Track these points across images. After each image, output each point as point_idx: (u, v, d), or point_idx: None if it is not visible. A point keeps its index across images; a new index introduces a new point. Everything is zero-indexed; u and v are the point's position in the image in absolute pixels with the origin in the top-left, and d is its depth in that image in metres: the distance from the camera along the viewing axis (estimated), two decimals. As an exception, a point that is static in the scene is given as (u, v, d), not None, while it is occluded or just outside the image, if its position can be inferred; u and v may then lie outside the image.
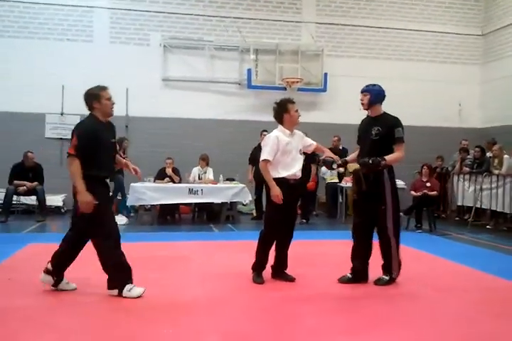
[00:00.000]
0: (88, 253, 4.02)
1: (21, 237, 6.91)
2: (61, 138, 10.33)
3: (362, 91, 4.47)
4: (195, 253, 5.88)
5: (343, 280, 4.48)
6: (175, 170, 9.01)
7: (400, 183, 9.21)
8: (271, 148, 4.37)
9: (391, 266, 4.44)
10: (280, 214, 4.40)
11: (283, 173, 4.41)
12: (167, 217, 9.05)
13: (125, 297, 3.89)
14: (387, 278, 4.45)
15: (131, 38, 10.72)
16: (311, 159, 8.81)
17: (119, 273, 3.95)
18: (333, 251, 5.80)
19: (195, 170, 9.13)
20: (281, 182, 4.36)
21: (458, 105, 11.94)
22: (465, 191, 9.29)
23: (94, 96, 3.93)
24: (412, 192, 8.41)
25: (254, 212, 9.38)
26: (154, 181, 8.70)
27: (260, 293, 4.17)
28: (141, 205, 8.78)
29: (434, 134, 11.48)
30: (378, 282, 4.44)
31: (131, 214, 9.23)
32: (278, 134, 4.45)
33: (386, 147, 4.36)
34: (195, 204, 8.97)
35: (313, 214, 9.75)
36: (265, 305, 3.88)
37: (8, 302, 3.81)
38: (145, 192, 8.22)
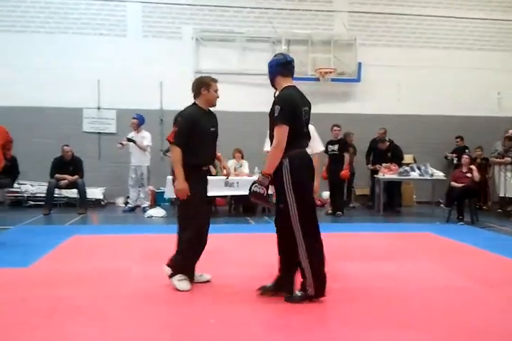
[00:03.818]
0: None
1: (64, 229, 7.08)
2: (98, 133, 10.51)
3: None
4: (231, 244, 5.90)
5: (264, 291, 3.80)
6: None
7: (439, 174, 9.09)
8: None
9: (305, 279, 3.58)
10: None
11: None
12: (203, 209, 9.09)
13: (171, 282, 3.98)
14: (299, 294, 3.61)
15: (164, 31, 10.73)
16: (342, 148, 8.76)
17: (185, 261, 4.01)
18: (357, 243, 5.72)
19: (231, 163, 9.16)
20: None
21: (497, 94, 11.58)
22: (507, 182, 9.05)
23: (205, 84, 4.03)
24: (453, 183, 8.21)
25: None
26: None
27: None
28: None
29: (471, 124, 11.19)
30: (288, 298, 3.62)
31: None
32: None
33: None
34: (231, 196, 8.99)
35: (349, 206, 9.69)
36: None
37: (56, 292, 3.90)
38: (182, 184, 8.25)
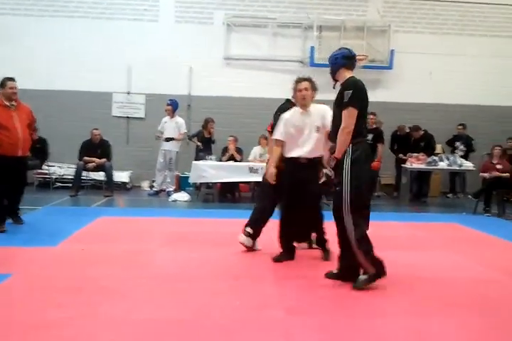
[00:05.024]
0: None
1: (91, 211, 7.22)
2: (127, 117, 10.62)
3: None
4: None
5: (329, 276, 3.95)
6: (237, 150, 9.10)
7: (468, 165, 8.90)
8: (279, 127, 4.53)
9: (361, 263, 3.64)
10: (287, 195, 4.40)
11: (292, 153, 4.41)
12: (227, 194, 9.17)
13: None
14: (362, 277, 3.66)
15: (196, 17, 10.69)
16: (377, 138, 8.66)
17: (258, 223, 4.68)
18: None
19: (256, 150, 9.16)
20: (289, 162, 4.41)
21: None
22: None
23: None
24: (483, 174, 8.03)
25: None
26: (220, 160, 8.81)
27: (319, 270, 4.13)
28: (202, 183, 8.92)
29: (505, 114, 10.88)
30: (355, 285, 3.66)
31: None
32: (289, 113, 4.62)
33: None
34: (255, 182, 9.00)
35: (374, 194, 9.60)
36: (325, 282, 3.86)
37: (83, 271, 3.99)
38: (206, 170, 8.34)
